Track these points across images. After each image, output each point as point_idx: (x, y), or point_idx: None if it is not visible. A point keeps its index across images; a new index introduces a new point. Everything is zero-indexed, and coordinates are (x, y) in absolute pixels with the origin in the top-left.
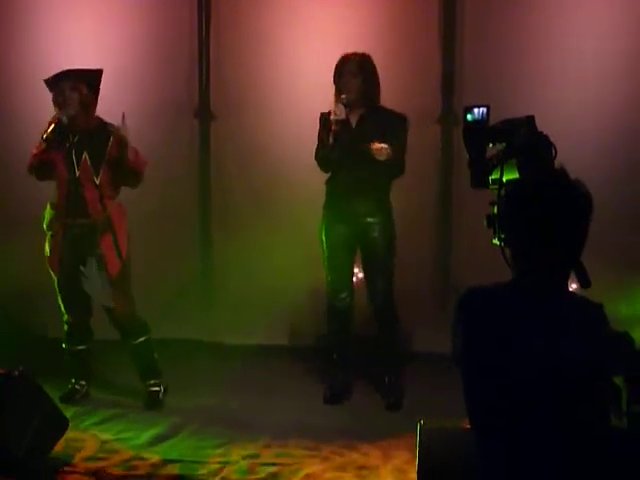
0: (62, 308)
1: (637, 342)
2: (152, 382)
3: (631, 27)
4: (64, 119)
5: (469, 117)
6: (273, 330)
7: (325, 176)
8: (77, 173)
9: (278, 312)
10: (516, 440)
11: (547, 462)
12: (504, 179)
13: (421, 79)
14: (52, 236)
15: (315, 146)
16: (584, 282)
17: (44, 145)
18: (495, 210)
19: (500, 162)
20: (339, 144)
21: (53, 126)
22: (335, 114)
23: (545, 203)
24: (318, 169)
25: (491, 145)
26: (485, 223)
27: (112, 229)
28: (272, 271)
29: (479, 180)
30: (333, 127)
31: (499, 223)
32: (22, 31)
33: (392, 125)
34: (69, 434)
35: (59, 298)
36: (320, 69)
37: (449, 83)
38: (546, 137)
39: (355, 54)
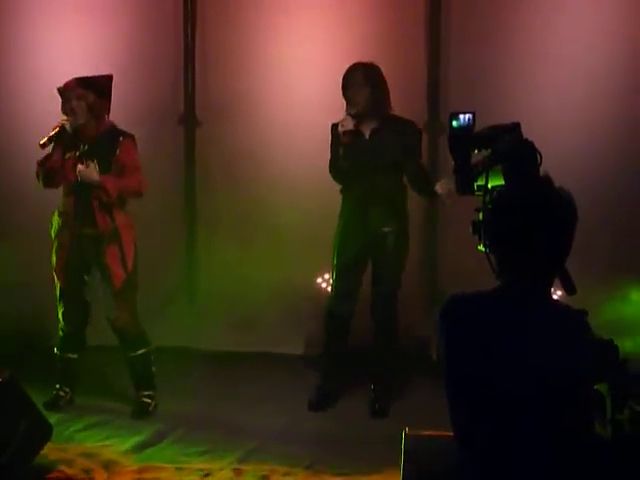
0: (60, 315)
1: (622, 350)
2: (145, 393)
3: (617, 31)
4: (67, 127)
5: (454, 123)
6: (260, 337)
7: (317, 182)
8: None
9: (265, 319)
10: (501, 450)
11: (534, 472)
12: (489, 185)
13: (407, 87)
14: (60, 245)
15: (324, 158)
16: (569, 289)
17: (44, 150)
18: (480, 216)
19: (485, 168)
20: (354, 156)
21: (52, 133)
22: (343, 126)
23: (528, 212)
24: (303, 174)
25: (476, 151)
26: (470, 229)
27: (119, 240)
28: (259, 277)
29: (464, 186)
30: (342, 139)
31: (484, 230)
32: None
33: (406, 136)
34: (53, 440)
35: (59, 306)
36: (306, 76)
37: (435, 91)
38: (531, 144)
39: (361, 64)
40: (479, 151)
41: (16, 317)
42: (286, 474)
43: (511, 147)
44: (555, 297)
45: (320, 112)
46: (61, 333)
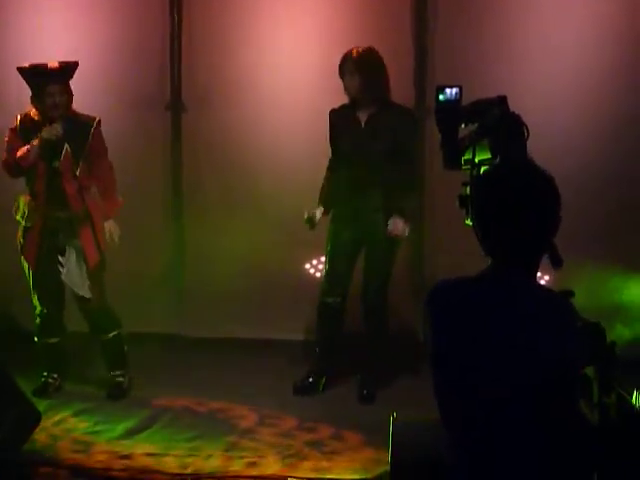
0: (35, 300)
1: (615, 333)
2: (118, 373)
3: (605, 18)
4: (55, 139)
5: (441, 97)
6: (248, 323)
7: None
8: (57, 164)
9: (253, 305)
10: (489, 436)
11: (523, 458)
12: (476, 159)
13: (393, 72)
14: (29, 228)
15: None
16: (556, 261)
17: (30, 157)
18: (467, 190)
19: (472, 142)
20: (349, 141)
21: (44, 142)
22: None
23: (514, 191)
24: (292, 159)
25: (464, 126)
26: (457, 203)
27: (91, 221)
28: (246, 263)
29: (451, 161)
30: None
31: (471, 206)
32: None
33: (402, 124)
34: (42, 427)
35: (32, 290)
36: (293, 62)
37: (422, 77)
38: (518, 117)
39: (355, 51)
40: (466, 126)
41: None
42: (276, 460)
43: (498, 120)
44: (542, 282)
45: (307, 97)
46: (38, 319)
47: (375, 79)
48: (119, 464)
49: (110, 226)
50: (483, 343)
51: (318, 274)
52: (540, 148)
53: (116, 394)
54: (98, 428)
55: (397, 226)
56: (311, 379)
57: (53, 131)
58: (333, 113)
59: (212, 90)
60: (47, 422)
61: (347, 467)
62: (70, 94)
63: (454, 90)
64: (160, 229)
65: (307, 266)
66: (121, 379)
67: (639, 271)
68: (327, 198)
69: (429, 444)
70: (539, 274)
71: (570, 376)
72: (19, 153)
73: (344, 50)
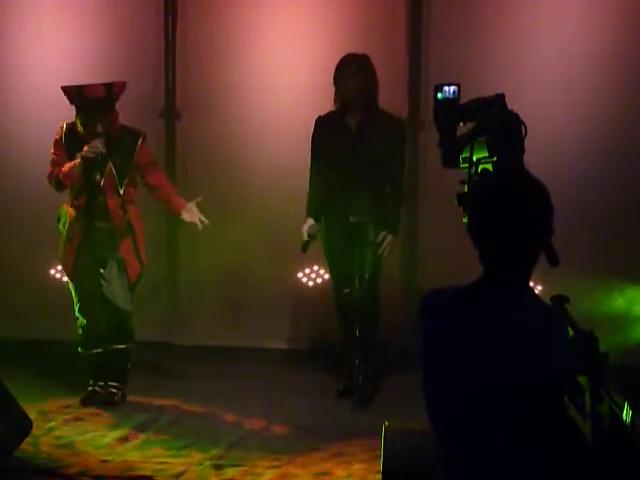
0: (77, 312)
1: (609, 342)
2: (114, 384)
3: (602, 8)
4: (102, 151)
5: (439, 95)
6: (241, 332)
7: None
8: (101, 182)
9: (247, 313)
10: (478, 445)
11: (512, 468)
12: (474, 157)
13: (387, 84)
14: (69, 238)
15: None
16: (553, 260)
17: (73, 175)
18: (465, 188)
19: (470, 140)
20: (338, 147)
21: (85, 161)
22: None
23: (499, 202)
24: (284, 167)
25: (462, 124)
26: (456, 202)
27: (132, 233)
28: (241, 271)
29: (449, 159)
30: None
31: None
32: None
33: (391, 132)
34: (33, 434)
35: (75, 302)
36: (286, 69)
37: (415, 88)
38: (516, 115)
39: (354, 56)
40: (464, 124)
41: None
42: (267, 468)
43: (496, 118)
44: (536, 291)
45: (300, 104)
46: (80, 330)
47: (372, 85)
48: (109, 472)
49: (192, 209)
50: (472, 353)
51: (311, 283)
52: (534, 159)
53: (107, 403)
54: (88, 436)
55: (386, 241)
56: (348, 381)
57: (93, 150)
58: (320, 120)
59: (206, 98)
60: (38, 429)
61: (339, 476)
62: (115, 114)
63: (452, 88)
64: (154, 236)
65: (300, 275)
66: (114, 390)
67: (634, 280)
68: (317, 208)
69: (421, 453)
70: (532, 283)
71: (559, 386)
72: (63, 169)
73: (339, 56)
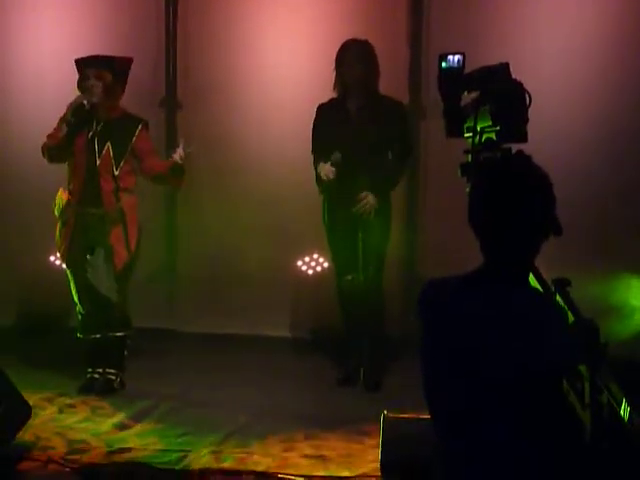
0: (75, 298)
1: (610, 331)
2: (112, 371)
3: (598, 23)
4: (86, 103)
5: (444, 65)
6: (240, 320)
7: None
8: (97, 162)
9: (246, 301)
10: (478, 436)
11: (512, 459)
12: (478, 127)
13: (388, 73)
14: (64, 223)
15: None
16: (557, 230)
17: (64, 128)
18: (469, 158)
19: (474, 110)
20: (339, 133)
21: (74, 109)
22: (326, 176)
23: (500, 191)
24: (284, 156)
25: (466, 93)
26: (459, 172)
27: (124, 221)
28: (240, 259)
29: (453, 129)
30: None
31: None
32: None
33: (391, 114)
34: (32, 422)
35: (72, 287)
36: (287, 58)
37: (416, 76)
38: (520, 84)
39: (356, 41)
40: (469, 93)
41: None
42: (265, 457)
43: (500, 87)
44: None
45: (301, 93)
46: (79, 316)
47: (373, 70)
48: (107, 459)
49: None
50: (469, 342)
51: (310, 271)
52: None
53: (105, 390)
54: (87, 423)
55: (365, 200)
56: (351, 370)
57: (77, 99)
58: (322, 107)
59: (207, 87)
60: (37, 416)
61: (338, 463)
62: (108, 85)
63: (457, 57)
64: (153, 225)
65: (299, 263)
66: (112, 377)
67: (635, 272)
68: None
69: (421, 442)
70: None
71: (559, 376)
72: (50, 132)
73: (340, 42)
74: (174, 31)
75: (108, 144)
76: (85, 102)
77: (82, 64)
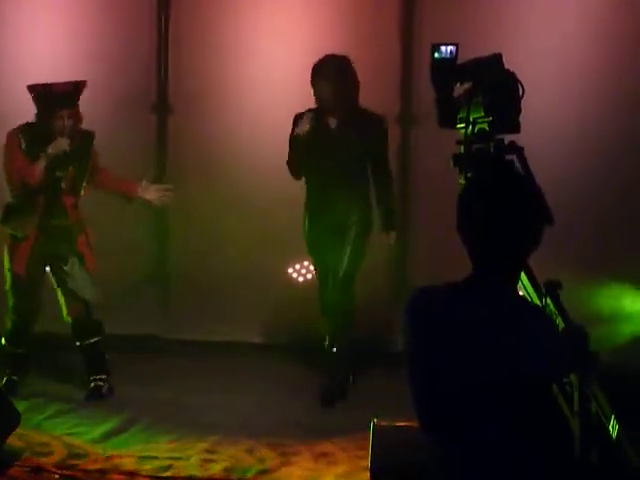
0: (10, 307)
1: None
2: (98, 377)
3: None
4: (67, 149)
5: (436, 55)
6: (230, 326)
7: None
8: (63, 184)
9: (236, 308)
10: (475, 443)
11: (500, 466)
12: (471, 117)
13: (379, 79)
14: (22, 238)
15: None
16: (548, 220)
17: (36, 175)
18: (462, 149)
19: (467, 100)
20: (319, 148)
21: (56, 155)
22: (301, 130)
23: (485, 203)
24: (275, 163)
25: (459, 84)
26: (451, 163)
27: (84, 229)
28: (230, 265)
29: (446, 119)
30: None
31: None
32: None
33: (372, 129)
34: (21, 429)
35: (10, 297)
36: (279, 64)
37: (407, 83)
38: (513, 74)
39: (331, 57)
40: (461, 84)
41: None
42: (252, 465)
43: (493, 78)
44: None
45: (293, 100)
46: (10, 325)
47: (350, 86)
48: (97, 466)
49: (148, 186)
50: (463, 344)
51: (301, 278)
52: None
53: (94, 397)
54: (76, 430)
55: (392, 239)
56: (337, 380)
57: (59, 146)
58: (298, 117)
59: (198, 93)
60: (26, 423)
61: (327, 473)
62: (79, 115)
63: (450, 48)
64: (144, 231)
65: (290, 270)
66: (100, 383)
67: (631, 281)
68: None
69: (410, 450)
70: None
71: (549, 383)
72: (25, 171)
73: (332, 49)
74: (166, 36)
75: (71, 167)
76: (67, 148)
77: (51, 101)
